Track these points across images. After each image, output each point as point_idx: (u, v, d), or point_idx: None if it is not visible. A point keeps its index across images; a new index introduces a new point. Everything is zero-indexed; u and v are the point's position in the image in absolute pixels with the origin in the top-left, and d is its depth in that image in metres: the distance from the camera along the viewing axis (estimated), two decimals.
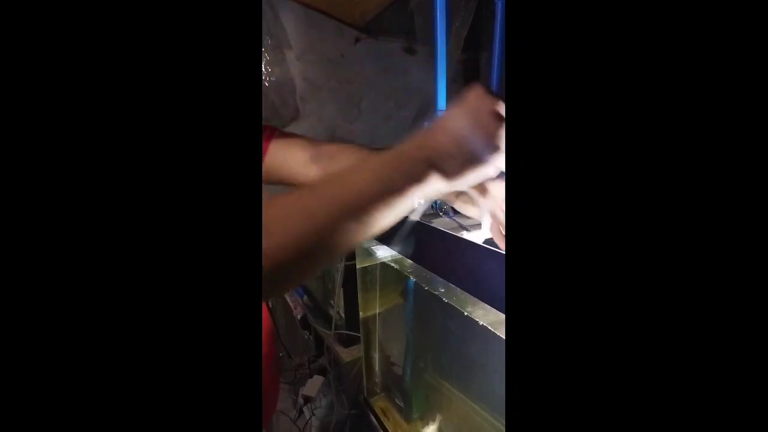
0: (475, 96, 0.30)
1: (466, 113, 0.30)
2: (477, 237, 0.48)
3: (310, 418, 0.93)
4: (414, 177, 0.28)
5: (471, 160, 0.29)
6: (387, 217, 0.28)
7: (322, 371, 0.87)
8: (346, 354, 0.78)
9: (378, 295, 0.67)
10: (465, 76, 1.78)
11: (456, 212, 0.60)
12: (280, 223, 0.25)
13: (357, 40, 1.44)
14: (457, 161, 0.29)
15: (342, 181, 0.28)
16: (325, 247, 0.27)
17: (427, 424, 0.64)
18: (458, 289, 0.42)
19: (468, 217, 0.57)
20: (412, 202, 0.28)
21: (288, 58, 1.34)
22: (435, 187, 0.29)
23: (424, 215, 0.57)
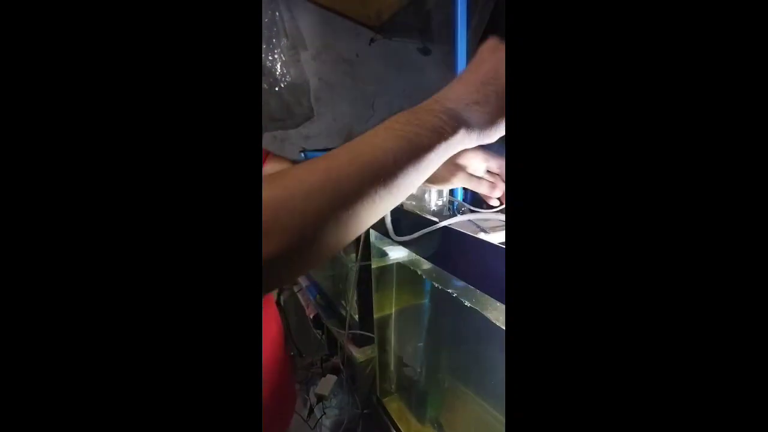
0: (490, 47, 0.29)
1: (484, 61, 0.28)
2: (494, 238, 0.47)
3: (321, 417, 0.93)
4: (438, 131, 0.25)
5: (501, 108, 0.26)
6: (415, 179, 0.25)
7: (334, 370, 0.87)
8: (360, 354, 0.78)
9: (393, 295, 0.67)
10: None
11: (473, 212, 0.59)
12: (302, 194, 0.22)
13: (372, 40, 1.45)
14: (485, 110, 0.26)
15: (364, 143, 0.24)
16: (354, 217, 0.23)
17: (440, 425, 0.64)
18: (476, 290, 0.42)
19: (486, 219, 0.57)
20: (438, 162, 0.26)
21: (303, 58, 1.35)
22: (464, 142, 0.26)
23: (441, 216, 0.57)
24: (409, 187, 0.25)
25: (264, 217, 0.21)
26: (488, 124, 0.27)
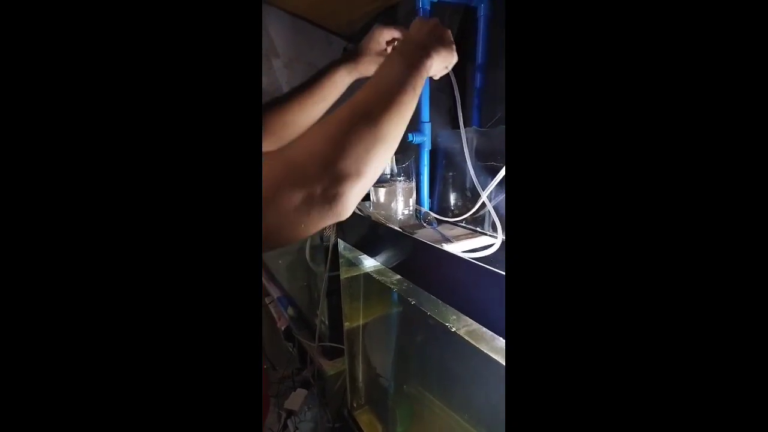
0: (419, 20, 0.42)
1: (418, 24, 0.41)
2: (459, 249, 0.47)
3: None
4: (423, 48, 0.37)
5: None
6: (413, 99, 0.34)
7: (305, 384, 0.85)
8: (330, 366, 0.77)
9: (362, 306, 0.66)
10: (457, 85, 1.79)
11: (440, 223, 0.60)
12: (346, 136, 0.28)
13: (345, 49, 1.45)
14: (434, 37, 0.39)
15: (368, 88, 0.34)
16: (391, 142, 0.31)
17: None
18: (440, 301, 0.42)
19: (451, 228, 0.57)
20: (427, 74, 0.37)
21: (275, 65, 1.33)
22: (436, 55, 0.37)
23: (408, 226, 0.57)
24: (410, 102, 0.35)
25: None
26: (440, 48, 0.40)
